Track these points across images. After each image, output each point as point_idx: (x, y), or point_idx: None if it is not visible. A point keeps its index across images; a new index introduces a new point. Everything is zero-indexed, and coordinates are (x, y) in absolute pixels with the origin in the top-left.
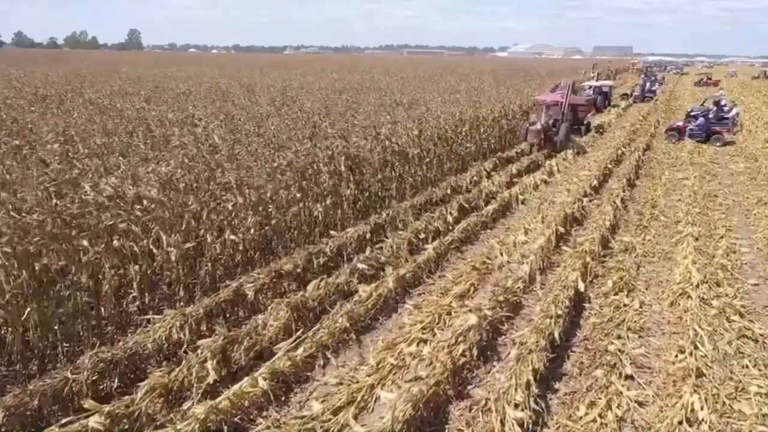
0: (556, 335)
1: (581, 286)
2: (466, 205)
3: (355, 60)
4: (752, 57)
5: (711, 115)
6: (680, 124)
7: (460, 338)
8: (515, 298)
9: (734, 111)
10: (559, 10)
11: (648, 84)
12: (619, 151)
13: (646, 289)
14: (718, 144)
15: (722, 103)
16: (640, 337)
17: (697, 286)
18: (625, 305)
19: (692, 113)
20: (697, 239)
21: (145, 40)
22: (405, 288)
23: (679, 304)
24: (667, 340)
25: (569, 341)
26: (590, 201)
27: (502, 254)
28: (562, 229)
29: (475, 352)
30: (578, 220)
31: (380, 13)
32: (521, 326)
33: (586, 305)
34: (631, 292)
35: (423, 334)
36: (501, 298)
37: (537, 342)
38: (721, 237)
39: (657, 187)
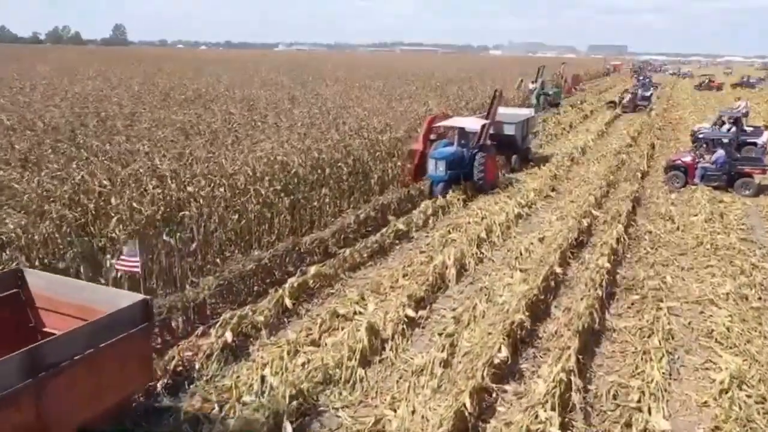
0: None
1: None
2: None
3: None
4: (749, 57)
5: (729, 140)
6: (687, 159)
7: None
8: None
9: (765, 135)
10: (554, 10)
11: (641, 90)
12: (582, 221)
13: None
14: (747, 192)
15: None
16: None
17: None
18: None
19: (701, 135)
20: None
21: (132, 35)
22: None
23: None
24: None
25: None
26: None
27: None
28: None
29: None
30: None
31: (374, 11)
32: None
33: None
34: None
35: None
36: None
37: None
38: None
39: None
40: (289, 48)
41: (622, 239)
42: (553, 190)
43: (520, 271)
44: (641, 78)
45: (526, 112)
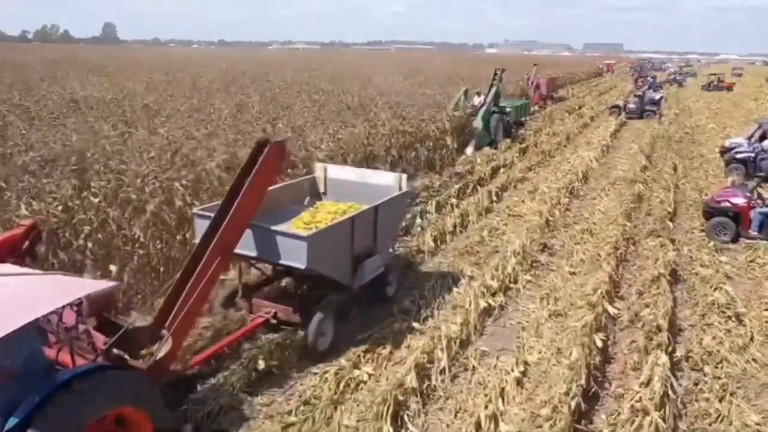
0: None
1: None
2: None
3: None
4: (742, 55)
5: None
6: (738, 200)
7: None
8: None
9: None
10: (548, 8)
11: (649, 92)
12: (594, 338)
13: None
14: None
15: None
16: None
17: None
18: None
19: (739, 154)
20: None
21: (122, 34)
22: None
23: None
24: None
25: None
26: None
27: None
28: None
29: None
30: None
31: (368, 9)
32: None
33: None
34: None
35: None
36: None
37: None
38: None
39: None
40: (283, 46)
41: (668, 390)
42: (544, 249)
43: None
44: (648, 78)
45: (388, 181)
